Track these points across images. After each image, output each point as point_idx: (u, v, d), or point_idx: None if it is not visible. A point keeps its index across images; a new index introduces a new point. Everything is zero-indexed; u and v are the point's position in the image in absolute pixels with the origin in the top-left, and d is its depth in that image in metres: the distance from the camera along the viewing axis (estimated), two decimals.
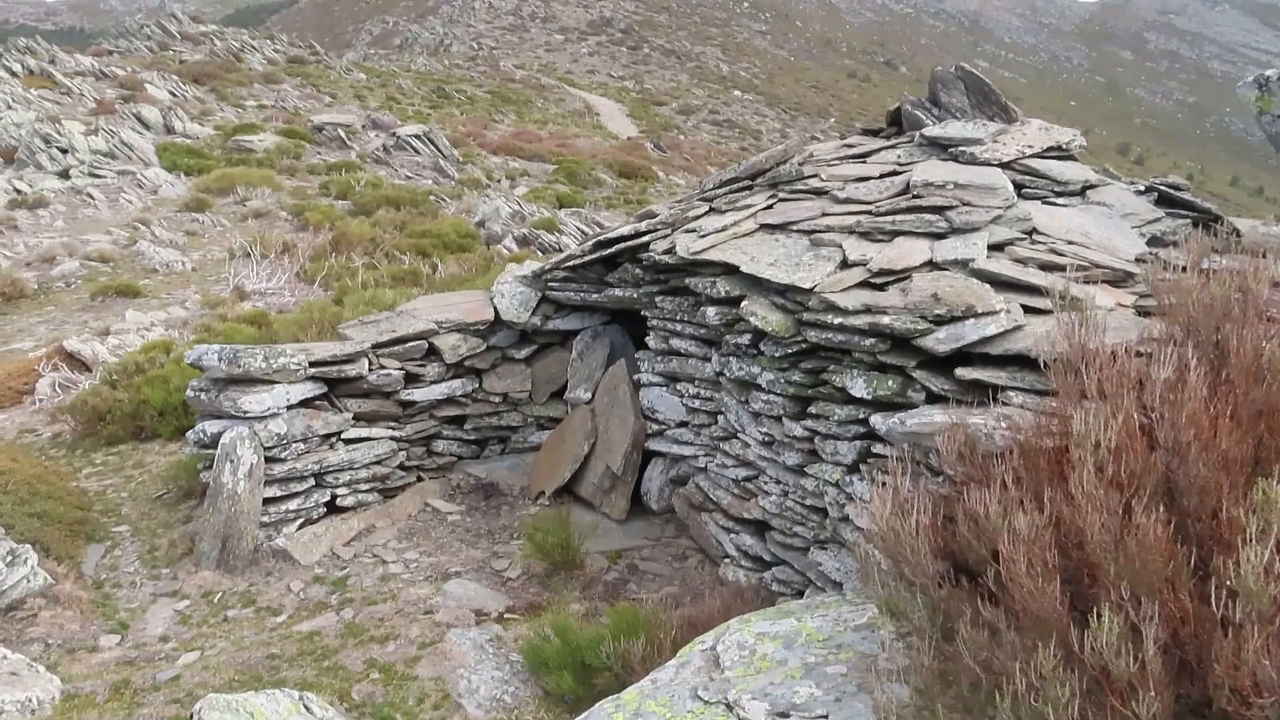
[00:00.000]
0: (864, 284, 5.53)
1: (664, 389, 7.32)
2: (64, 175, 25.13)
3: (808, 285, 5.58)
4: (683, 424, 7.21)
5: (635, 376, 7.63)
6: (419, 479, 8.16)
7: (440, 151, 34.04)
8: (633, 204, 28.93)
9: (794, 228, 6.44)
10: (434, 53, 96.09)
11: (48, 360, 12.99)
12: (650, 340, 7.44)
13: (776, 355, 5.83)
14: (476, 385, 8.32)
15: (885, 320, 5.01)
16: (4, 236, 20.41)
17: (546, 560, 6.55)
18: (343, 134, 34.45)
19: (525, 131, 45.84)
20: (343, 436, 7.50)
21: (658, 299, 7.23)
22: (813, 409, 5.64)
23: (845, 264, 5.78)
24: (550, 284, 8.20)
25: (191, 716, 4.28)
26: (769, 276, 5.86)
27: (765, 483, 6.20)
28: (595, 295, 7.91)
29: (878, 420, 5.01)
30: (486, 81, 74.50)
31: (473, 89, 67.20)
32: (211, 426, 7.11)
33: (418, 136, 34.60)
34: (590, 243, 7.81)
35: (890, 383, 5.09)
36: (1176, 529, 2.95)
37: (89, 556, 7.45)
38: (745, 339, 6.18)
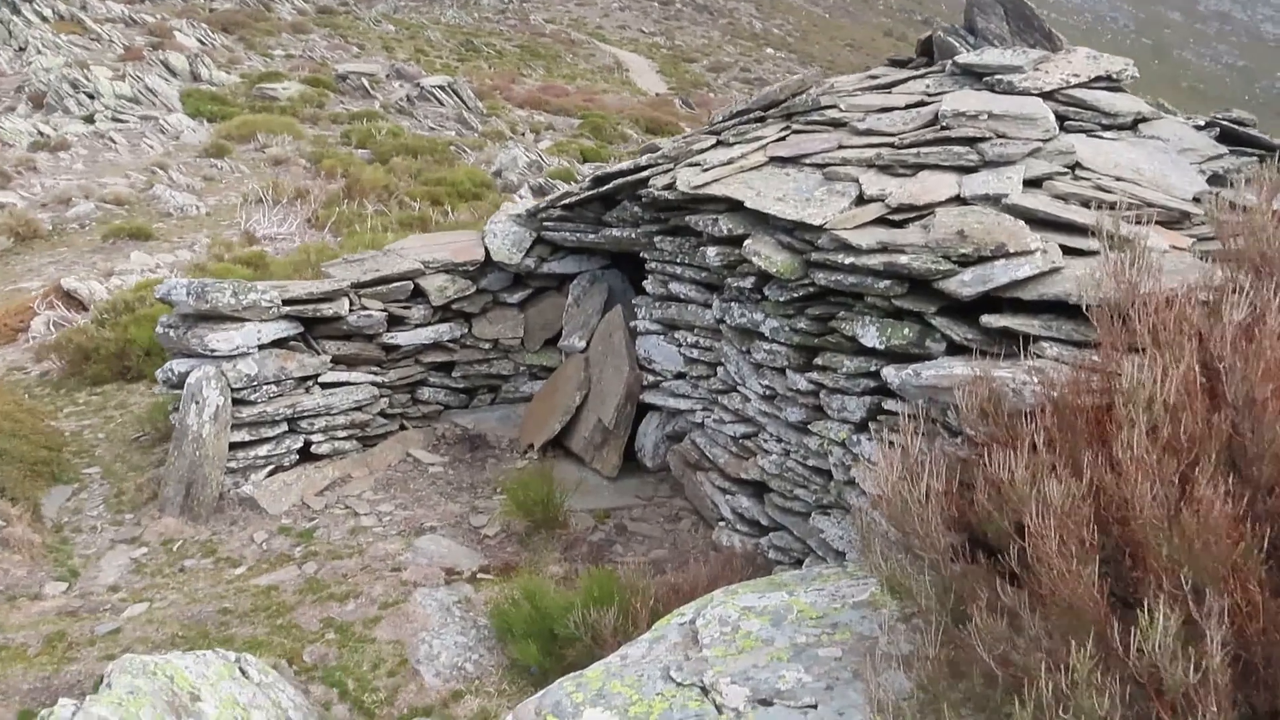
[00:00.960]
0: (881, 221, 4.92)
1: (661, 337, 6.75)
2: (89, 120, 25.15)
3: (818, 222, 4.97)
4: (680, 375, 6.65)
5: (632, 324, 7.06)
6: (402, 428, 7.67)
7: (464, 103, 33.52)
8: None
9: (807, 161, 5.81)
10: (464, 5, 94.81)
11: (44, 299, 12.64)
12: (648, 285, 6.86)
13: (781, 300, 5.24)
14: (466, 330, 7.79)
15: (903, 260, 4.41)
16: (22, 178, 20.31)
17: (528, 518, 6.04)
18: (367, 84, 33.95)
19: (553, 86, 45.14)
20: (319, 380, 7.01)
21: (657, 239, 6.64)
22: (819, 360, 5.06)
23: (861, 199, 5.17)
24: (545, 223, 7.62)
25: (103, 679, 3.81)
26: (775, 212, 5.26)
27: (765, 440, 5.64)
28: (592, 236, 7.33)
29: (890, 373, 4.42)
30: (516, 35, 73.39)
31: (502, 43, 66.20)
32: (180, 365, 6.63)
33: (442, 88, 34.08)
34: (589, 178, 7.21)
35: (906, 331, 4.49)
36: (1245, 505, 2.37)
37: (52, 498, 7.04)
38: (748, 282, 5.59)
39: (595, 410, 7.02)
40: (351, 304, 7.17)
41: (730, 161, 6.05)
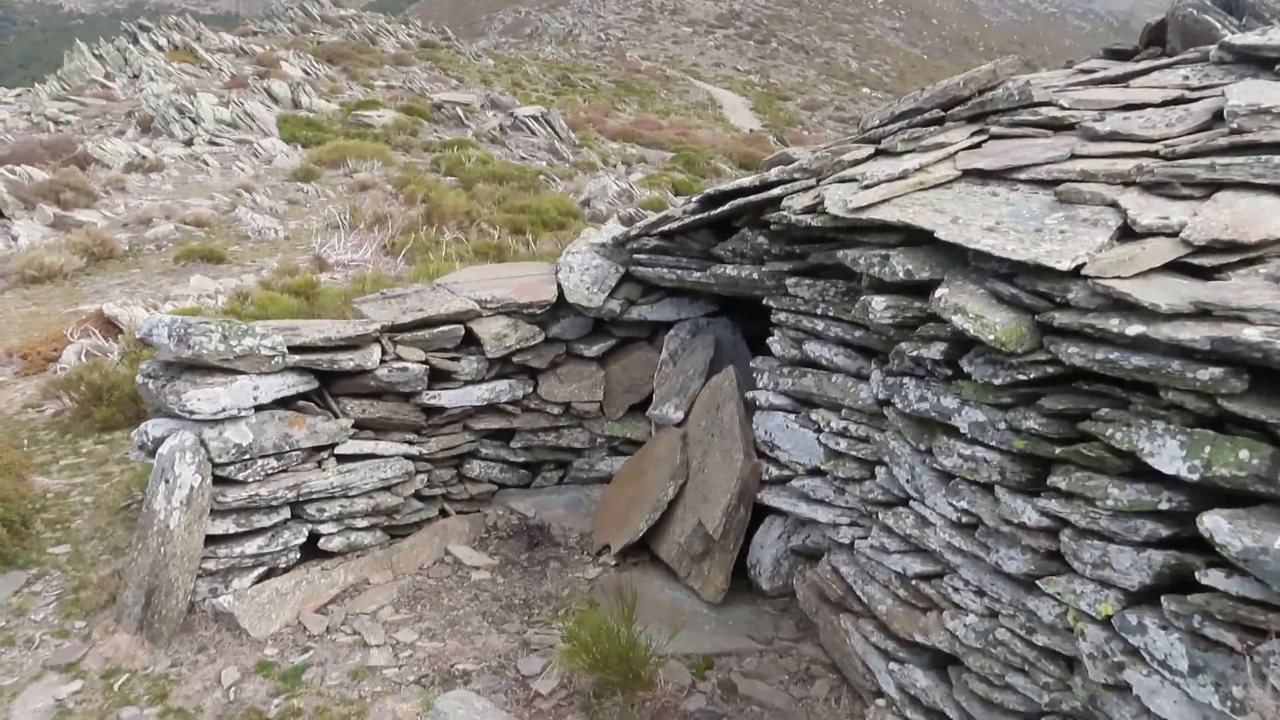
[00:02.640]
0: (1177, 266, 3.06)
1: (791, 417, 4.91)
2: (189, 144, 25.32)
3: (1066, 265, 3.14)
4: (817, 472, 4.79)
5: (749, 395, 5.24)
6: (443, 513, 5.97)
7: (556, 133, 32.69)
8: None
9: (1022, 175, 3.98)
10: (562, 42, 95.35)
11: (79, 326, 11.42)
12: (775, 343, 5.04)
13: (996, 383, 3.39)
14: (530, 390, 6.08)
15: (1248, 335, 2.54)
16: (109, 198, 19.94)
17: (597, 671, 4.23)
18: (461, 113, 33.41)
19: (646, 120, 44.27)
20: (336, 451, 5.36)
21: (789, 281, 4.83)
22: (1059, 480, 3.20)
23: (1128, 232, 3.31)
24: (637, 255, 5.89)
25: None
26: (988, 248, 3.43)
27: (958, 590, 3.75)
28: (698, 274, 5.56)
29: (1220, 527, 2.54)
30: (612, 71, 73.11)
31: (598, 78, 65.82)
32: (156, 429, 5.04)
33: (535, 118, 33.37)
34: (696, 199, 5.45)
35: (1246, 455, 2.61)
36: None
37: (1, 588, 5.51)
38: (934, 351, 3.75)
39: (695, 509, 5.20)
40: (384, 353, 5.52)
41: (902, 176, 4.24)
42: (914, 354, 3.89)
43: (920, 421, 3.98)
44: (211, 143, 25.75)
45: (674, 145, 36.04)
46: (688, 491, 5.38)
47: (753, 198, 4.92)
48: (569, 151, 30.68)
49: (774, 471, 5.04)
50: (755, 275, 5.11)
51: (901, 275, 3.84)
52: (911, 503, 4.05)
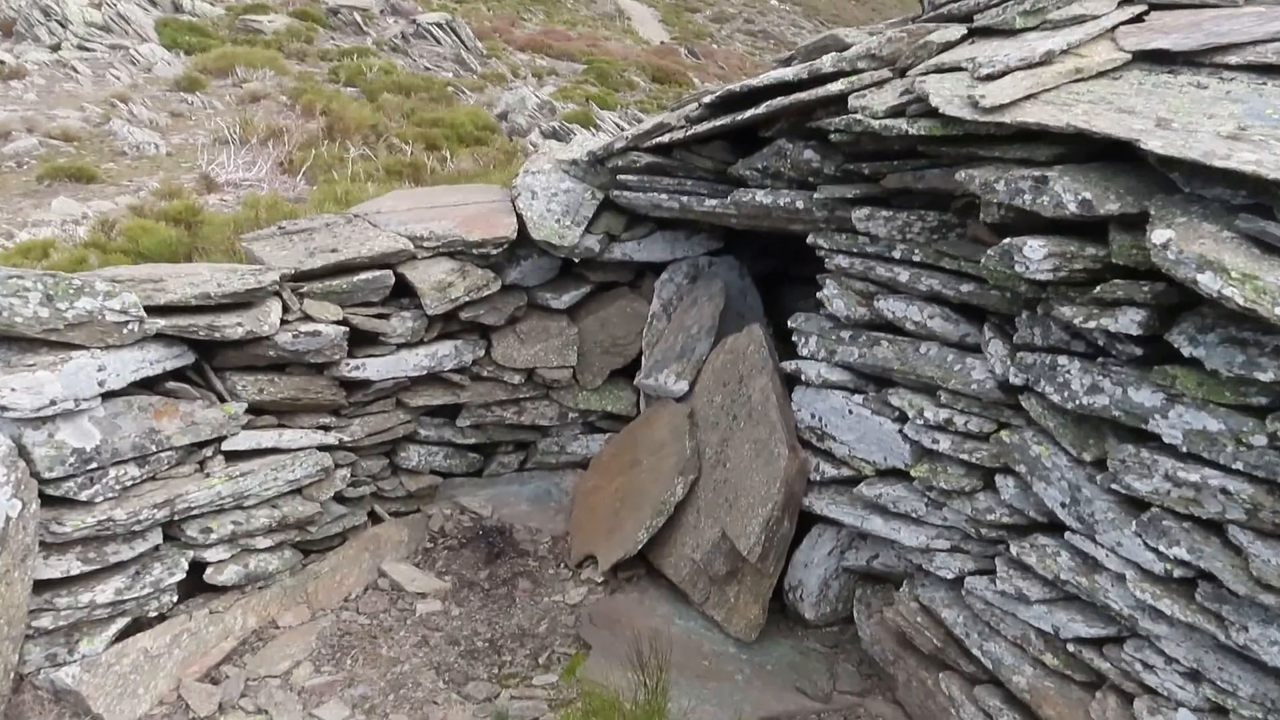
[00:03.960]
0: None
1: (857, 399, 3.64)
2: (55, 49, 22.56)
3: None
4: (897, 475, 3.55)
5: (788, 366, 3.95)
6: (372, 518, 4.58)
7: (463, 42, 30.42)
8: (666, 110, 25.70)
9: (1231, 58, 2.74)
10: None
11: None
12: (832, 297, 3.74)
13: (1253, 376, 2.17)
14: (482, 353, 4.67)
15: None
16: None
17: None
18: (359, 19, 30.77)
19: (555, 31, 42.02)
20: (225, 448, 3.91)
21: (857, 214, 3.53)
22: None
23: None
24: (623, 177, 4.47)
25: None
26: (1250, 168, 2.16)
27: (1153, 666, 2.59)
28: (711, 201, 4.19)
29: None
30: None
31: None
32: None
33: (439, 25, 30.96)
34: (706, 100, 4.05)
35: None
36: None
37: None
38: (1127, 321, 2.52)
39: (714, 515, 3.93)
40: (286, 311, 4.05)
41: (1045, 61, 2.97)
42: (1084, 323, 2.63)
43: (1083, 421, 2.76)
44: (82, 48, 23.12)
45: (585, 57, 34.10)
46: (701, 490, 4.09)
47: (801, 96, 3.55)
48: (477, 62, 28.63)
49: (827, 470, 3.79)
50: (799, 204, 3.76)
51: (1075, 208, 2.56)
52: (1069, 535, 2.84)
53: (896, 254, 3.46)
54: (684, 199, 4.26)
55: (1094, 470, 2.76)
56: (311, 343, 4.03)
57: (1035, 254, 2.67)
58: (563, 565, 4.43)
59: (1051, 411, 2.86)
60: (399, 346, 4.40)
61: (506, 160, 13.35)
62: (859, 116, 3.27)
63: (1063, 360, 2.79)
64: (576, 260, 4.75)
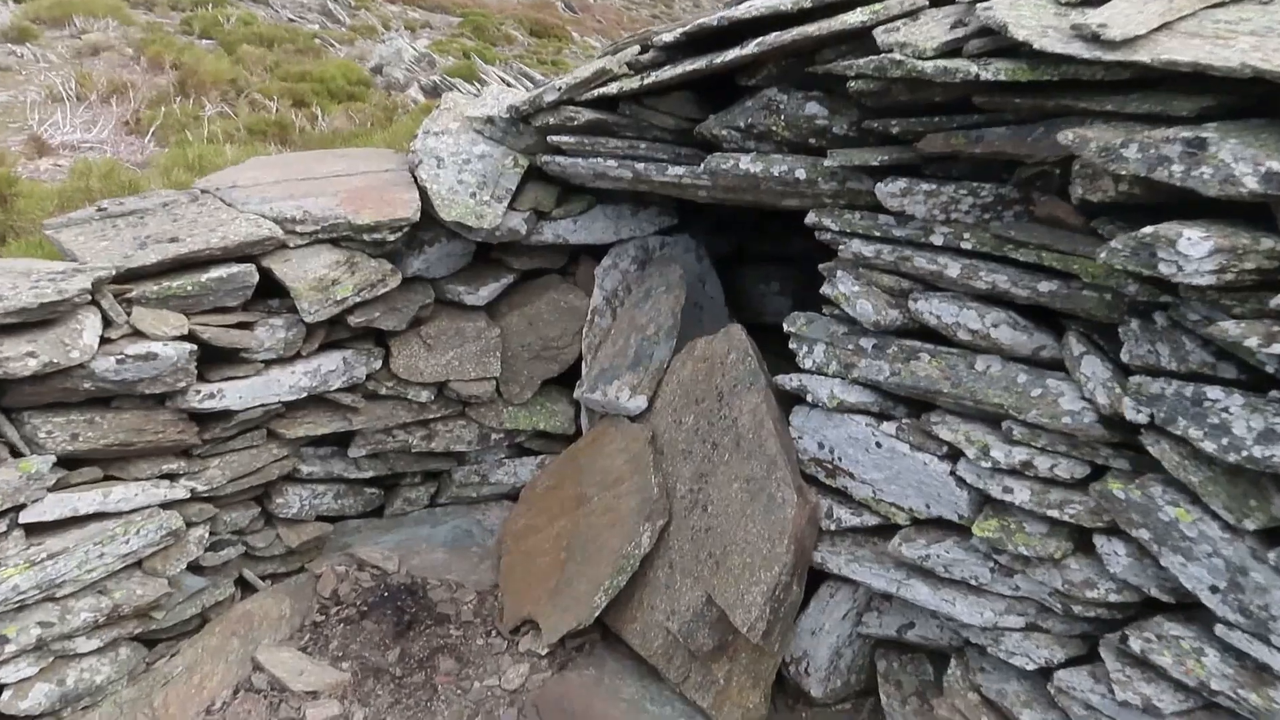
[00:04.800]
0: None
1: (885, 428, 2.81)
2: None
3: None
4: (940, 524, 2.73)
5: (784, 380, 3.08)
6: (242, 587, 3.56)
7: None
8: (548, 65, 24.64)
9: None
10: None
11: None
12: (845, 290, 2.87)
13: None
14: (379, 365, 3.66)
15: None
16: None
17: None
18: None
19: None
20: (25, 519, 2.84)
21: (886, 187, 2.68)
22: None
23: None
24: (556, 138, 3.48)
25: None
26: None
27: None
28: (677, 169, 3.26)
29: None
30: None
31: None
32: None
33: None
34: (667, 38, 3.11)
35: None
36: None
37: None
38: None
39: (695, 574, 3.06)
40: (109, 325, 2.97)
41: None
42: (1262, 345, 1.85)
43: (1240, 475, 1.99)
44: None
45: (459, 9, 32.57)
46: (674, 539, 3.21)
47: (807, 30, 2.65)
48: (345, 14, 26.73)
49: (843, 516, 2.95)
50: (799, 174, 2.88)
51: (1256, 184, 1.78)
52: (1221, 628, 2.07)
53: (937, 239, 2.62)
54: (638, 166, 3.32)
55: (1261, 545, 2.00)
56: (144, 369, 2.96)
57: (1196, 249, 1.86)
58: (494, 632, 3.50)
59: (1196, 462, 2.07)
60: (269, 364, 3.37)
61: (387, 118, 12.07)
62: (898, 57, 2.40)
63: (1213, 393, 2.01)
64: (496, 244, 3.76)
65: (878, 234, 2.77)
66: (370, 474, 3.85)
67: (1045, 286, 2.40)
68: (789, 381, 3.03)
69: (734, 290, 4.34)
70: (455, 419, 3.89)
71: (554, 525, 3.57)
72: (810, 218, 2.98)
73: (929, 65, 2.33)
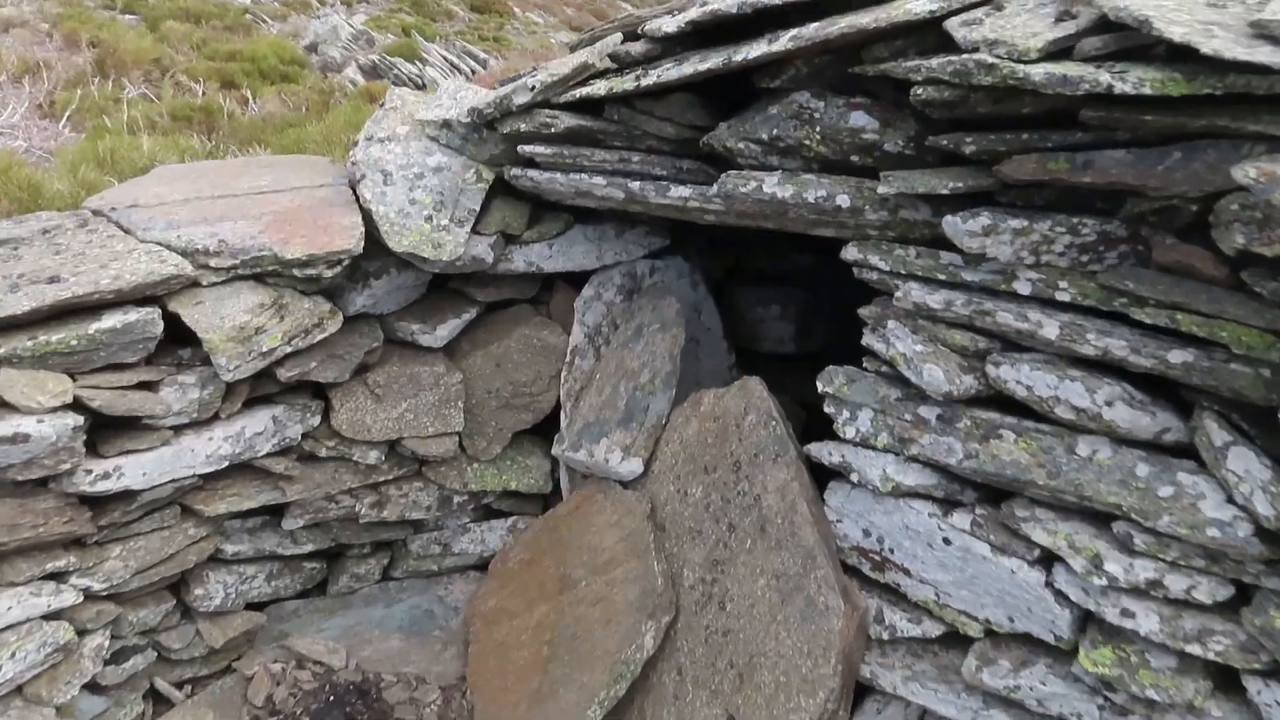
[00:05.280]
0: None
1: (953, 519, 2.25)
2: None
3: None
4: (1028, 640, 2.19)
5: (822, 452, 2.51)
6: (153, 699, 2.92)
7: None
8: (490, 41, 23.83)
9: None
10: None
11: None
12: (905, 349, 2.31)
13: None
14: (317, 421, 3.03)
15: None
16: None
17: None
18: None
19: None
20: None
21: (962, 224, 2.10)
22: None
23: None
24: (529, 147, 2.86)
25: None
26: None
27: None
28: (681, 190, 2.67)
29: None
30: None
31: None
32: None
33: None
34: (669, 27, 2.51)
35: None
36: None
37: None
38: None
39: (715, 686, 2.51)
40: None
41: None
42: None
43: None
44: None
45: None
46: (682, 639, 2.66)
47: (859, 21, 2.08)
48: None
49: (897, 621, 2.41)
50: (842, 200, 2.31)
51: None
52: None
53: (1022, 286, 2.08)
54: (633, 184, 2.72)
55: None
56: (12, 453, 2.33)
57: None
58: None
59: None
60: (180, 429, 2.73)
61: (323, 102, 11.29)
62: (988, 59, 1.85)
63: None
64: (455, 274, 3.15)
65: (941, 277, 2.22)
66: (310, 547, 3.23)
67: (1178, 356, 1.87)
68: (828, 456, 2.48)
69: (727, 314, 3.78)
70: (411, 481, 3.28)
71: (533, 612, 2.99)
72: (850, 253, 2.42)
73: (1036, 72, 1.78)
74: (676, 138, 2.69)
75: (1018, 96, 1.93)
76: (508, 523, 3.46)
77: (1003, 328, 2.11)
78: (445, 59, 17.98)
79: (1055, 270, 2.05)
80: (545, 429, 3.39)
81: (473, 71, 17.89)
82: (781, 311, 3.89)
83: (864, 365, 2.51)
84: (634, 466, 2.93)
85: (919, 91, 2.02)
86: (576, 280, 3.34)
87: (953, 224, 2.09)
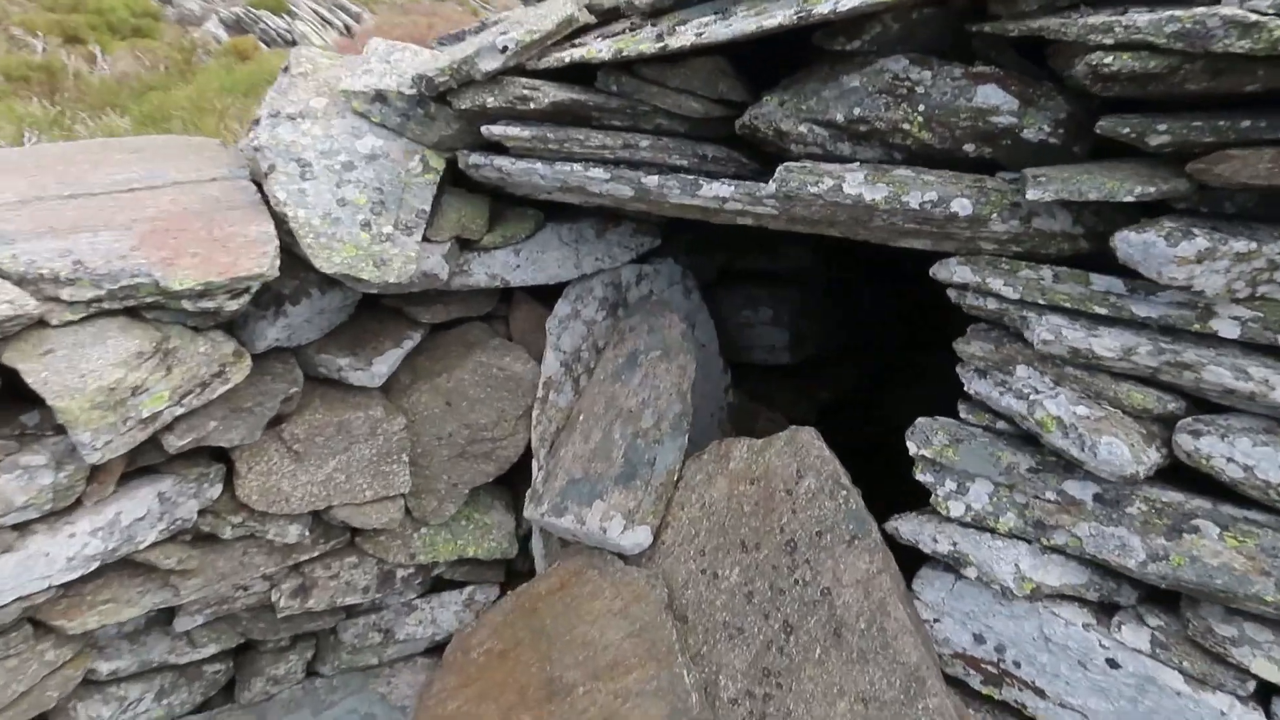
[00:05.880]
0: None
1: (1120, 635, 1.70)
2: None
3: None
4: None
5: (918, 539, 1.92)
6: None
7: None
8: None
9: None
10: None
11: None
12: (1053, 409, 1.72)
13: None
14: (217, 492, 2.27)
15: None
16: None
17: None
18: None
19: None
20: None
21: (1167, 246, 1.50)
22: None
23: None
24: (497, 127, 2.15)
25: None
26: None
27: None
28: (718, 187, 2.01)
29: None
30: None
31: None
32: None
33: None
34: None
35: None
36: None
37: None
38: None
39: None
40: None
41: None
42: None
43: None
44: None
45: None
46: None
47: None
48: None
49: None
50: (962, 207, 1.71)
51: None
52: None
53: (1226, 327, 1.53)
54: (647, 180, 2.06)
55: None
56: None
57: None
58: None
59: None
60: (27, 527, 1.96)
61: (185, 61, 10.14)
62: (1246, 14, 1.27)
63: None
64: (399, 294, 2.42)
65: (1100, 310, 1.66)
66: (212, 649, 2.49)
67: None
68: (931, 542, 1.90)
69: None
70: (342, 556, 2.56)
71: None
72: (956, 272, 1.83)
73: None
74: (703, 116, 2.04)
75: (1245, 70, 1.37)
76: (463, 595, 2.79)
77: (1205, 386, 1.55)
78: (315, 12, 16.75)
79: (1274, 304, 1.50)
80: (510, 480, 2.72)
81: (346, 28, 16.65)
82: (774, 316, 3.30)
83: (960, 415, 1.93)
84: (640, 538, 2.30)
85: (1107, 60, 1.43)
86: (542, 291, 2.66)
87: (1144, 245, 1.51)
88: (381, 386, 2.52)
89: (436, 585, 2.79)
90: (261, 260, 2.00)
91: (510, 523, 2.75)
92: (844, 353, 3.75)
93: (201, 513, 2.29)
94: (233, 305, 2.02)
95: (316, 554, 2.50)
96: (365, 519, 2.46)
